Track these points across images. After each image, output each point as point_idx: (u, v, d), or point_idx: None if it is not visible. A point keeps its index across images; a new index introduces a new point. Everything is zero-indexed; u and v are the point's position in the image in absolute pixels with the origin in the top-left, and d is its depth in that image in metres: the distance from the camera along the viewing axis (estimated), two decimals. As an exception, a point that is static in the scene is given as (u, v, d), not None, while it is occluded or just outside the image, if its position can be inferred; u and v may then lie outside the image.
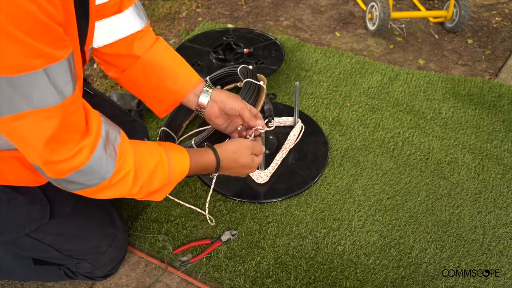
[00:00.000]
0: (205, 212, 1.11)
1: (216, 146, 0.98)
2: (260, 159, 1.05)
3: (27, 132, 0.62)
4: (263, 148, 1.07)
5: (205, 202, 1.13)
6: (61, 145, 0.65)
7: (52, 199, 0.89)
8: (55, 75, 0.60)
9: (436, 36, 1.95)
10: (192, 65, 1.69)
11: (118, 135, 0.76)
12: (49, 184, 0.88)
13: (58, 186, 0.74)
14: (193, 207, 1.13)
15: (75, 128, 0.67)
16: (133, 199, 1.18)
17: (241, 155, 0.99)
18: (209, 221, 1.13)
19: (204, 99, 1.02)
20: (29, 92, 0.58)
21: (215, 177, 1.02)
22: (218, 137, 1.22)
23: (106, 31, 0.94)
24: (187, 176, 0.92)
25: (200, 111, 1.04)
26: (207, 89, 1.02)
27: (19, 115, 0.59)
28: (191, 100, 1.02)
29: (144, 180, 0.80)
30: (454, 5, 1.89)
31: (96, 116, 0.71)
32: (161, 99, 1.02)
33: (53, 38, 0.59)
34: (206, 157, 0.96)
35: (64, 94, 0.62)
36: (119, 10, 0.95)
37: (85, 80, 1.19)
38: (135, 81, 1.00)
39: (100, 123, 0.72)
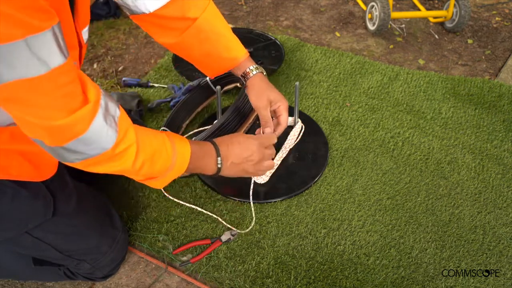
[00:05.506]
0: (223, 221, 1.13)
1: (216, 139, 0.98)
2: (272, 150, 1.03)
3: (19, 102, 0.62)
4: (274, 139, 1.05)
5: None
6: (58, 110, 0.65)
7: (55, 196, 0.89)
8: (37, 45, 0.59)
9: (436, 36, 1.95)
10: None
11: (117, 108, 0.75)
12: (52, 180, 0.88)
13: (58, 160, 0.74)
14: (193, 206, 1.12)
15: (70, 99, 0.66)
16: (133, 200, 1.19)
17: (247, 146, 0.98)
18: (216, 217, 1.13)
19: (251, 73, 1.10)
20: (11, 62, 0.58)
21: (223, 175, 0.98)
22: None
23: None
24: (186, 175, 0.89)
25: (245, 78, 1.11)
26: (252, 68, 1.11)
27: (6, 85, 0.59)
28: (240, 69, 1.11)
29: (147, 157, 0.79)
30: (454, 5, 1.89)
31: (94, 87, 0.71)
32: (213, 64, 1.10)
33: (34, 8, 0.58)
34: (205, 145, 0.95)
35: (48, 65, 0.61)
36: None
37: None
38: (190, 47, 1.06)
39: (99, 93, 0.71)
